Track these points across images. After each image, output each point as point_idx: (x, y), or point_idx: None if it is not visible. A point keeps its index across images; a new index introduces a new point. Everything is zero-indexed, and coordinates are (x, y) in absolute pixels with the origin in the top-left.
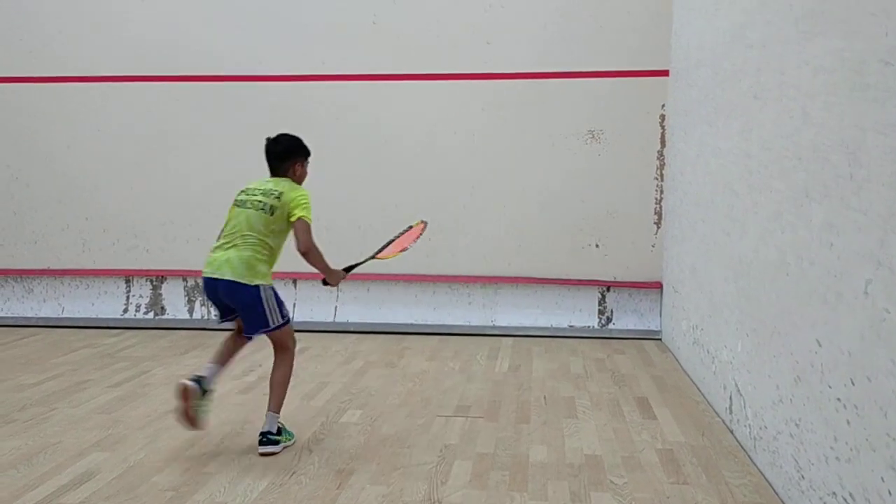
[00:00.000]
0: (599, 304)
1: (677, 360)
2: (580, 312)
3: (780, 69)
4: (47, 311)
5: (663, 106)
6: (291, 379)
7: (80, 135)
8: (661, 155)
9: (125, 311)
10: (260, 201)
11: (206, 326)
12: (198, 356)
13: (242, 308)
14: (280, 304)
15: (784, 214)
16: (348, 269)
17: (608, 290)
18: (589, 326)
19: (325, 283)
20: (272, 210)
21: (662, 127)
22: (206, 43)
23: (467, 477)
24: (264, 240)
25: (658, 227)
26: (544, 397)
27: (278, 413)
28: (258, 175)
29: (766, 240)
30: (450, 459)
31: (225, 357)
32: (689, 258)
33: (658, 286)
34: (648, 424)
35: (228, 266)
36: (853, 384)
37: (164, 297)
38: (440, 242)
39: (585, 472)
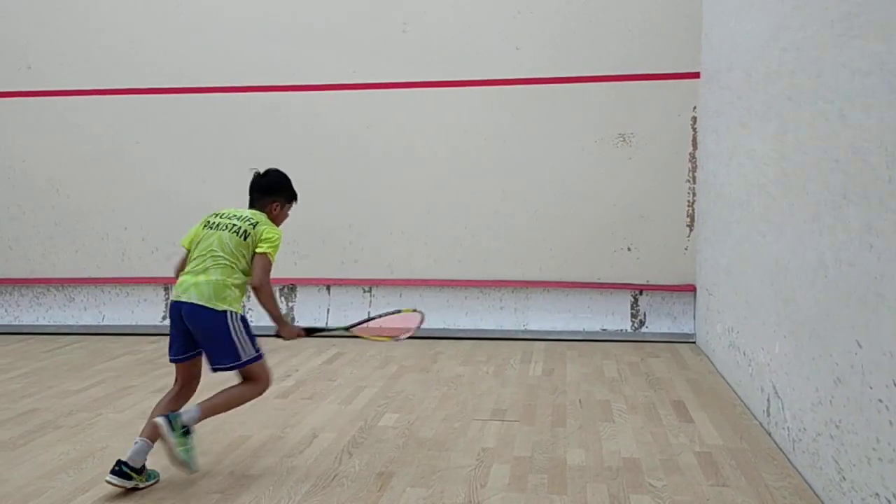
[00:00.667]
0: (632, 308)
1: (712, 363)
2: (613, 316)
3: (816, 72)
4: (88, 318)
5: (694, 108)
6: (232, 410)
7: (118, 146)
8: (692, 157)
9: (164, 318)
10: (234, 224)
11: None
12: None
13: (207, 337)
14: (251, 337)
15: (822, 216)
16: (308, 330)
17: (641, 293)
18: (622, 330)
19: (277, 335)
20: (245, 235)
21: (694, 129)
22: (238, 54)
23: (506, 480)
24: (235, 263)
25: (691, 230)
26: (580, 401)
27: (202, 413)
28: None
29: (803, 242)
30: (488, 463)
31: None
32: (723, 260)
33: (691, 289)
34: (685, 427)
35: (196, 289)
36: (895, 385)
37: None
38: (471, 247)
39: (624, 474)
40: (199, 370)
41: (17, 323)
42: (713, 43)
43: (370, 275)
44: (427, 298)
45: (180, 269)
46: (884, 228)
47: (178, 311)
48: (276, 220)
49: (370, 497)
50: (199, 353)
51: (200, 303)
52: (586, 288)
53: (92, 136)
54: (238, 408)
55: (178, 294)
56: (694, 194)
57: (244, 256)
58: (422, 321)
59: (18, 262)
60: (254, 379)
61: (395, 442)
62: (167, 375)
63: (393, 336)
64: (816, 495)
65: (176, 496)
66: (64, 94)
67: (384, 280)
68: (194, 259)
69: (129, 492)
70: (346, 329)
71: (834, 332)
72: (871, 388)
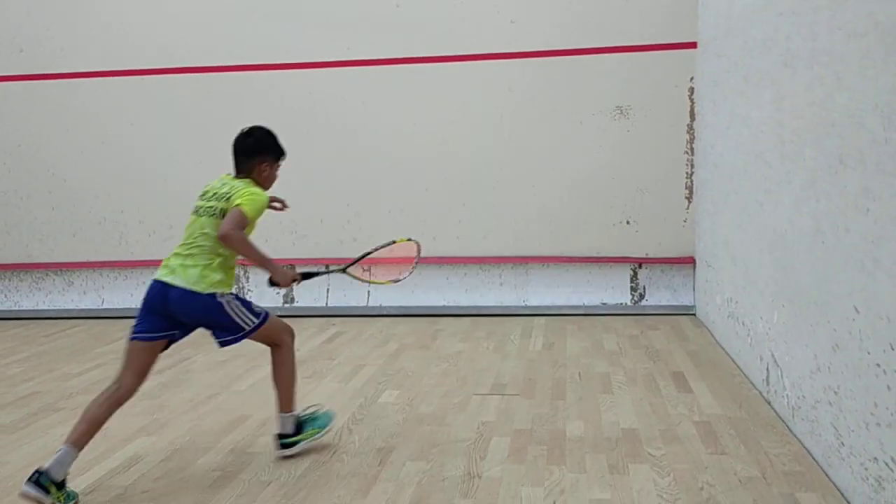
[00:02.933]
0: (632, 281)
1: (712, 334)
2: (612, 290)
3: (811, 35)
4: (88, 302)
5: (692, 79)
6: (296, 370)
7: (113, 128)
8: (690, 128)
9: None
10: (211, 206)
11: None
12: None
13: (205, 319)
14: (247, 305)
15: (818, 182)
16: (305, 275)
17: (640, 266)
18: (622, 304)
19: (271, 283)
20: (222, 213)
21: (691, 100)
22: (233, 33)
23: (505, 452)
24: (216, 247)
25: (689, 202)
26: (579, 374)
27: (290, 411)
28: (284, 162)
29: (800, 209)
30: (487, 436)
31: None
32: (722, 231)
33: (691, 261)
34: (685, 398)
35: (184, 273)
36: (892, 349)
37: None
38: (470, 224)
39: (623, 445)
40: (154, 362)
41: (17, 308)
42: (710, 11)
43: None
44: (426, 276)
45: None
46: (880, 192)
47: (163, 293)
48: (266, 181)
49: (370, 471)
50: (167, 340)
51: (189, 287)
52: (586, 262)
53: (87, 119)
54: (295, 377)
55: (163, 274)
56: (692, 166)
57: None
58: (419, 251)
59: (16, 247)
60: (275, 343)
61: (394, 418)
62: (167, 357)
63: (393, 279)
64: (815, 461)
65: (175, 474)
66: (57, 78)
67: (382, 259)
68: (180, 245)
69: (125, 469)
70: (343, 270)
71: (832, 298)
72: (868, 353)
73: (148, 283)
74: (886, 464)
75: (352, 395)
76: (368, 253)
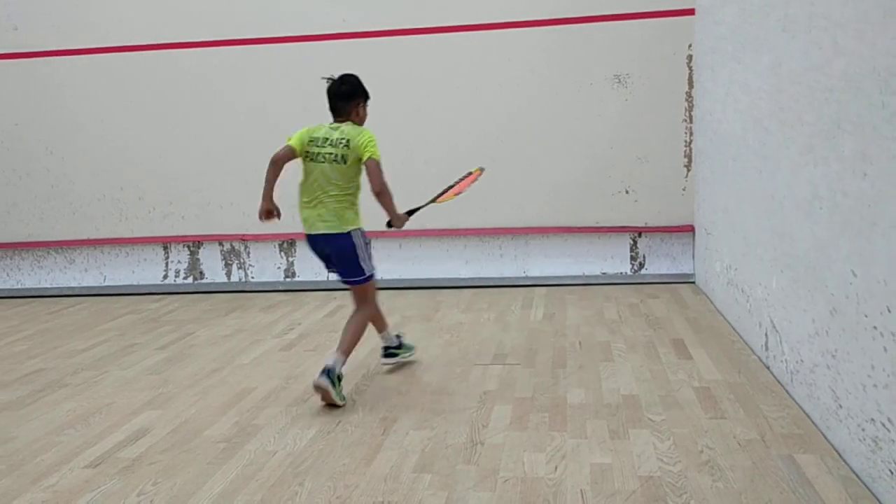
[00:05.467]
0: (631, 251)
1: (712, 301)
2: (612, 259)
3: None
4: (89, 280)
5: (690, 46)
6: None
7: (110, 105)
8: (689, 96)
9: (165, 277)
10: (330, 153)
11: (244, 289)
12: (238, 317)
13: (339, 257)
14: (370, 254)
15: (816, 147)
16: (410, 213)
17: (640, 235)
18: (622, 273)
19: (389, 225)
20: (344, 159)
21: (690, 67)
22: (229, 6)
23: (508, 420)
24: (345, 188)
25: (688, 170)
26: (579, 343)
27: (344, 356)
28: (276, 139)
29: (798, 174)
30: (490, 404)
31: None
32: (721, 199)
33: (690, 229)
34: (684, 364)
35: (321, 221)
36: (889, 311)
37: (202, 261)
38: (470, 196)
39: (623, 410)
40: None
41: (19, 287)
42: None
43: (369, 227)
44: (427, 248)
45: (277, 158)
46: (877, 155)
47: (314, 242)
48: (362, 120)
49: (374, 440)
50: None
51: (328, 231)
52: (585, 232)
53: (84, 96)
54: (364, 332)
55: (307, 229)
56: (691, 134)
57: (349, 178)
58: (481, 173)
59: (17, 226)
60: (364, 300)
61: (397, 389)
62: (171, 332)
63: (459, 193)
64: (814, 424)
65: (182, 446)
66: (52, 55)
67: (383, 232)
68: (307, 192)
69: (132, 442)
70: (434, 200)
71: (829, 263)
72: (865, 316)
73: (149, 259)
74: (883, 424)
75: (355, 366)
76: (451, 186)
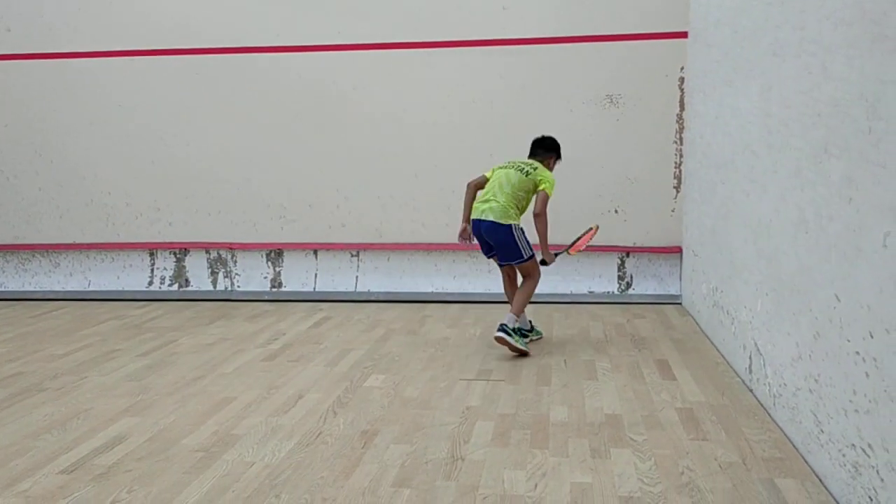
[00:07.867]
0: (619, 270)
1: (697, 323)
2: (600, 279)
3: (800, 25)
4: (74, 284)
5: (682, 68)
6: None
7: (100, 111)
8: (680, 118)
9: (150, 283)
10: (520, 166)
11: (230, 297)
12: (222, 326)
13: (499, 243)
14: (528, 242)
15: (803, 171)
16: (556, 255)
17: (628, 255)
18: (609, 292)
19: (542, 262)
20: (527, 173)
21: (681, 90)
22: (221, 16)
23: (489, 436)
24: (516, 193)
25: (678, 192)
26: (564, 361)
27: (517, 315)
28: (266, 147)
29: (785, 198)
30: (472, 420)
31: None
32: (708, 221)
33: (678, 251)
34: (668, 385)
35: (490, 212)
36: (872, 337)
37: (187, 269)
38: (459, 211)
39: (605, 430)
40: (510, 271)
41: (2, 289)
42: (701, 1)
43: (358, 239)
44: (415, 262)
45: (472, 186)
46: (863, 180)
47: (479, 227)
48: (550, 171)
49: (354, 453)
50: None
51: (494, 219)
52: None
53: (74, 99)
54: (528, 301)
55: (477, 215)
56: (681, 156)
57: (523, 189)
58: (596, 230)
59: (2, 227)
60: (530, 275)
61: (379, 402)
62: (153, 339)
63: (579, 249)
64: (795, 448)
65: (159, 454)
66: (45, 57)
67: (372, 244)
68: (487, 192)
69: (108, 449)
70: (567, 252)
71: (814, 287)
72: (848, 340)
73: (135, 265)
74: (864, 450)
75: (338, 378)
76: (580, 238)
